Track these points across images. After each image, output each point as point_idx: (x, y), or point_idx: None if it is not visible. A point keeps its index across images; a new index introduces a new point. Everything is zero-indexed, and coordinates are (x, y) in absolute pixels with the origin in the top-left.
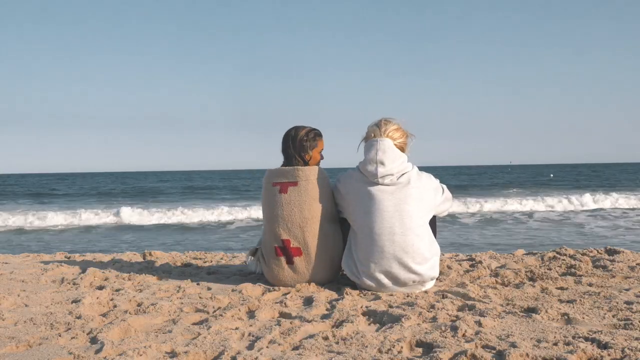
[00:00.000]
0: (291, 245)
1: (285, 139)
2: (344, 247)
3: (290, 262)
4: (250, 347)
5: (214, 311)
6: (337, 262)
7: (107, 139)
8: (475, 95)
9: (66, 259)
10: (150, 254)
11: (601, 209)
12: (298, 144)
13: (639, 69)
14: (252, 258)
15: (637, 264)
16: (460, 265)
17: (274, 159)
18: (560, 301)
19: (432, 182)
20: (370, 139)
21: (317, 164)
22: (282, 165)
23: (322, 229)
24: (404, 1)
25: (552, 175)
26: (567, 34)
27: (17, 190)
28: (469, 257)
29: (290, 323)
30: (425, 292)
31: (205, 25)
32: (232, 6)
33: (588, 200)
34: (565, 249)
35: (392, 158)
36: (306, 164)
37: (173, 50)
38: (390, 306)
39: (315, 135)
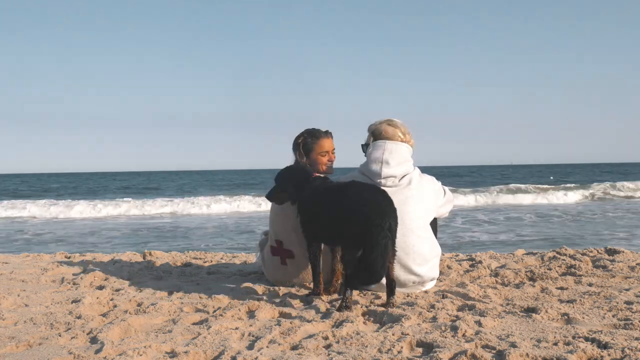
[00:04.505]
0: (283, 247)
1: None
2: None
3: (283, 262)
4: (250, 347)
5: (214, 311)
6: (328, 274)
7: (104, 137)
8: (475, 95)
9: (66, 259)
10: (150, 254)
11: None
12: (294, 148)
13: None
14: (259, 251)
15: (637, 264)
16: (460, 265)
17: (273, 159)
18: (560, 301)
19: (433, 184)
20: (378, 139)
21: (326, 167)
22: None
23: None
24: (405, 2)
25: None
26: (569, 35)
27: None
28: (469, 257)
29: (290, 323)
30: (425, 292)
31: (205, 25)
32: (232, 5)
33: None
34: (565, 249)
35: (398, 160)
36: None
37: (172, 49)
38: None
39: (309, 135)
